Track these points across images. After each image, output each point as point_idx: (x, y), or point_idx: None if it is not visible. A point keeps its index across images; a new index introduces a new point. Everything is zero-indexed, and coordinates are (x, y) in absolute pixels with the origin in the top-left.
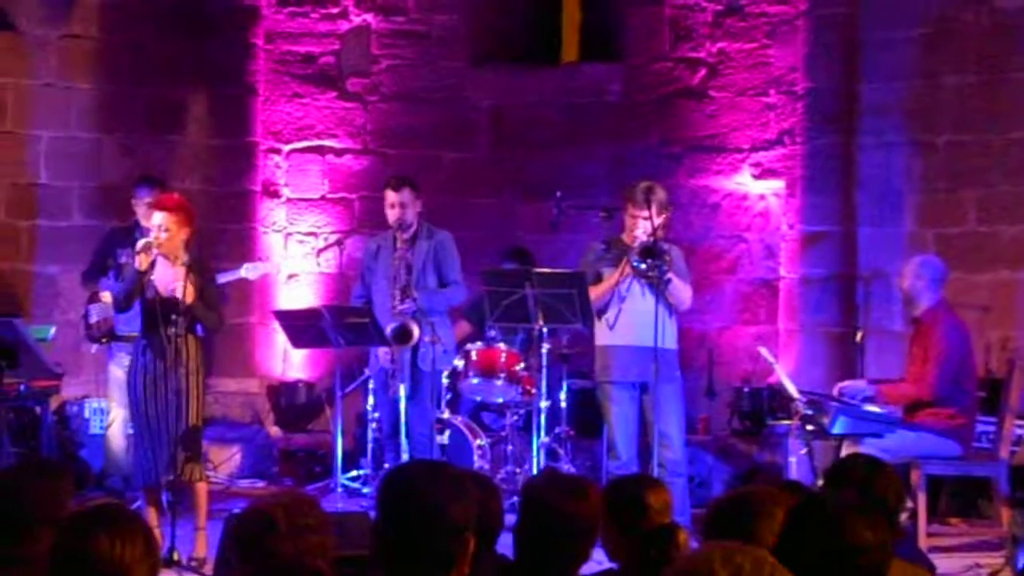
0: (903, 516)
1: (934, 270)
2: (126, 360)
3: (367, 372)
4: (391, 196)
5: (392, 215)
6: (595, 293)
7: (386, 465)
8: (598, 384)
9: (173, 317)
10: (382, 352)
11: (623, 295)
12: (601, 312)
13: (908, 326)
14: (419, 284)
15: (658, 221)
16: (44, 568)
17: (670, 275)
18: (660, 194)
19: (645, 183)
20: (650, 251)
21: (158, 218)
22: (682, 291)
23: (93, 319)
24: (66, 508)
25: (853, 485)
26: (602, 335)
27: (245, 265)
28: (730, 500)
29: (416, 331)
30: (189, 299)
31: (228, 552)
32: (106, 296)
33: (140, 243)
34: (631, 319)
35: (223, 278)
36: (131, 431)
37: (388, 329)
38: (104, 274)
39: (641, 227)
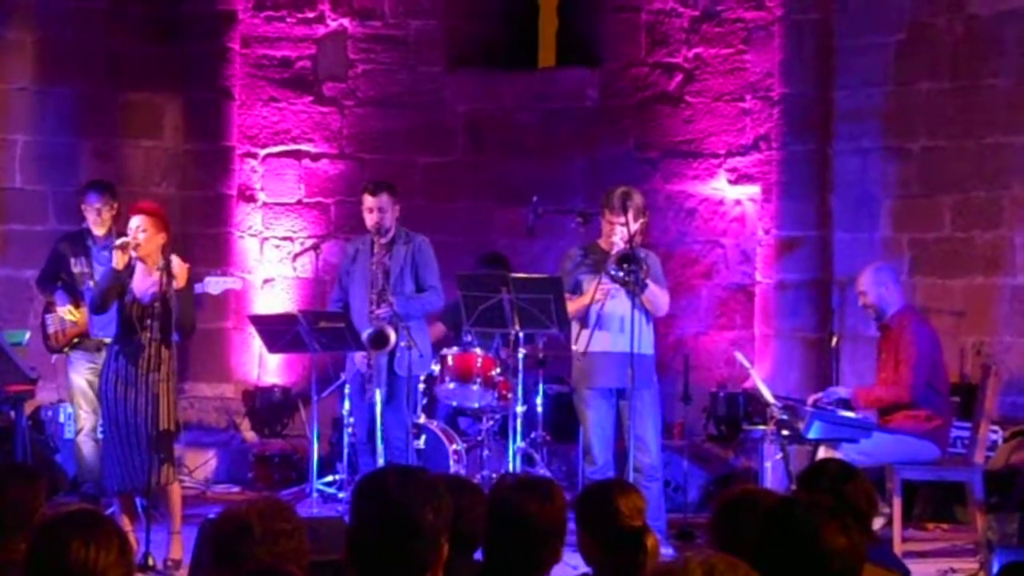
0: (879, 522)
1: (891, 274)
2: (85, 367)
3: (343, 376)
4: (369, 200)
5: (370, 220)
6: (573, 306)
7: (360, 470)
8: (575, 389)
9: (148, 322)
10: (359, 357)
11: (599, 310)
12: (580, 323)
13: (877, 331)
14: (396, 289)
15: (635, 227)
16: (18, 573)
17: (647, 280)
18: (637, 200)
19: (622, 189)
20: (627, 258)
21: (136, 220)
22: (659, 297)
23: (51, 329)
24: (40, 513)
25: (825, 490)
26: (580, 341)
27: (207, 279)
28: (733, 498)
29: (392, 336)
30: (181, 281)
31: (203, 557)
32: (63, 311)
33: (118, 241)
34: (609, 326)
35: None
36: (102, 436)
37: (364, 334)
38: (53, 284)
39: (618, 233)
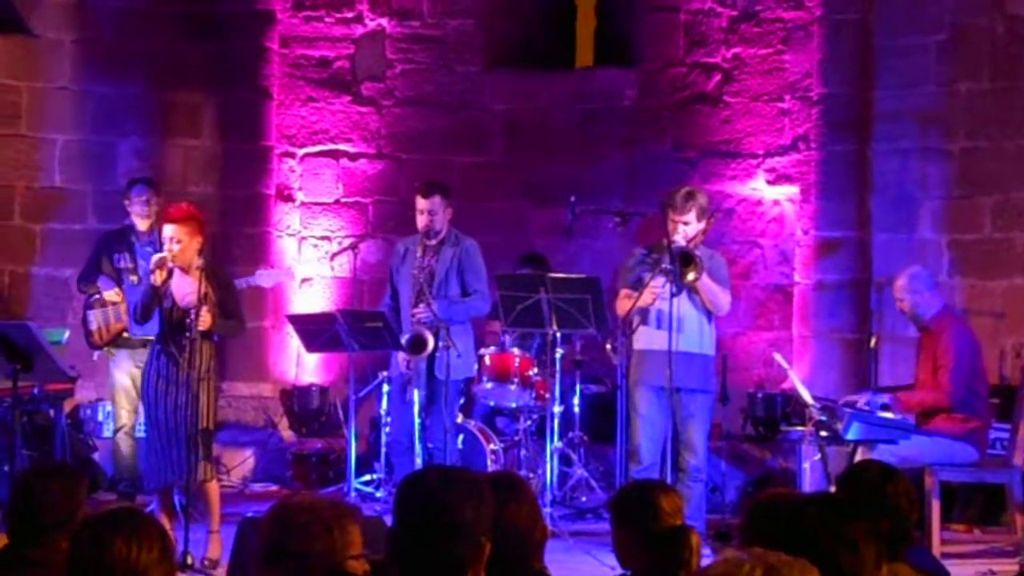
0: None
1: (925, 280)
2: (129, 365)
3: (381, 375)
4: (420, 203)
5: (421, 221)
6: (630, 304)
7: (396, 471)
8: (628, 386)
9: (188, 322)
10: (401, 357)
11: (663, 298)
12: (643, 314)
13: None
14: (440, 292)
15: (699, 226)
16: (61, 571)
17: (706, 280)
18: (701, 200)
19: (686, 188)
20: (684, 257)
21: (169, 231)
22: (719, 296)
23: (93, 326)
24: (81, 511)
25: (865, 491)
26: (639, 339)
27: (259, 272)
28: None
29: (431, 341)
30: (204, 325)
31: (243, 554)
32: (108, 295)
33: (154, 259)
34: (667, 325)
35: (239, 284)
36: (142, 434)
37: (403, 338)
38: (96, 278)
39: (680, 232)
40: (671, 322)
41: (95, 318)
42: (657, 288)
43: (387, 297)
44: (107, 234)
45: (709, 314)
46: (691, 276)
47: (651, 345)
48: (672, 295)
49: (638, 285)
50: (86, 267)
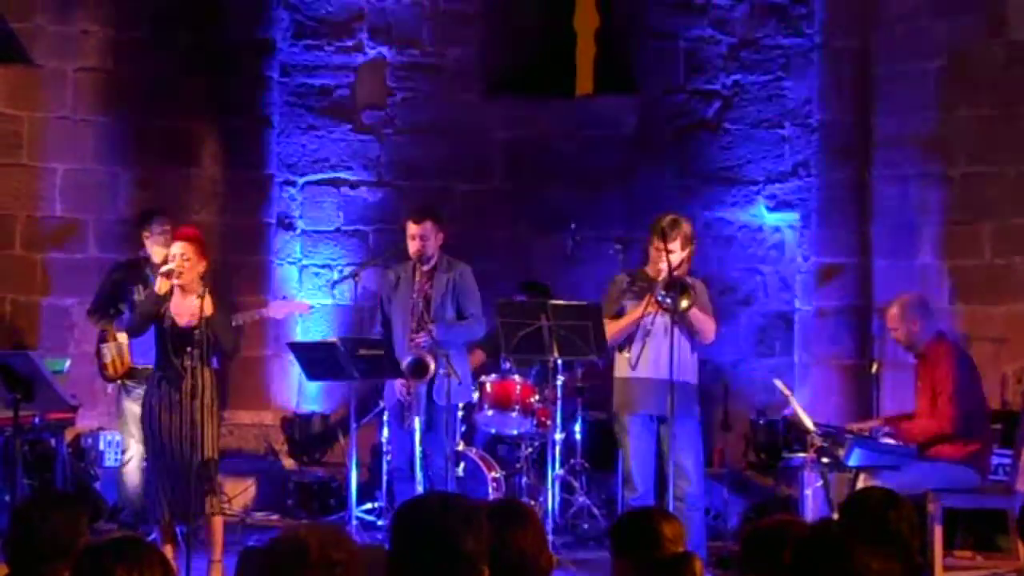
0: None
1: (920, 307)
2: (140, 396)
3: (382, 404)
4: (412, 228)
5: (413, 247)
6: (618, 326)
7: (397, 499)
8: (616, 416)
9: (188, 349)
10: (398, 384)
11: (647, 329)
12: (624, 345)
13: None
14: (437, 317)
15: (683, 254)
16: None
17: (687, 303)
18: (685, 228)
19: (670, 216)
20: (675, 285)
21: (179, 247)
22: (705, 324)
23: (108, 359)
24: (82, 540)
25: (868, 518)
26: (622, 367)
27: (272, 303)
28: (761, 529)
29: (432, 365)
30: (208, 310)
31: None
32: (122, 336)
33: (163, 268)
34: (653, 353)
35: (251, 316)
36: (144, 463)
37: (404, 363)
38: (117, 312)
39: (665, 259)
40: (670, 351)
41: (109, 351)
42: (648, 313)
43: (377, 325)
44: (119, 265)
45: (693, 342)
46: (684, 304)
47: (636, 373)
48: (673, 323)
49: (622, 315)
50: (99, 298)
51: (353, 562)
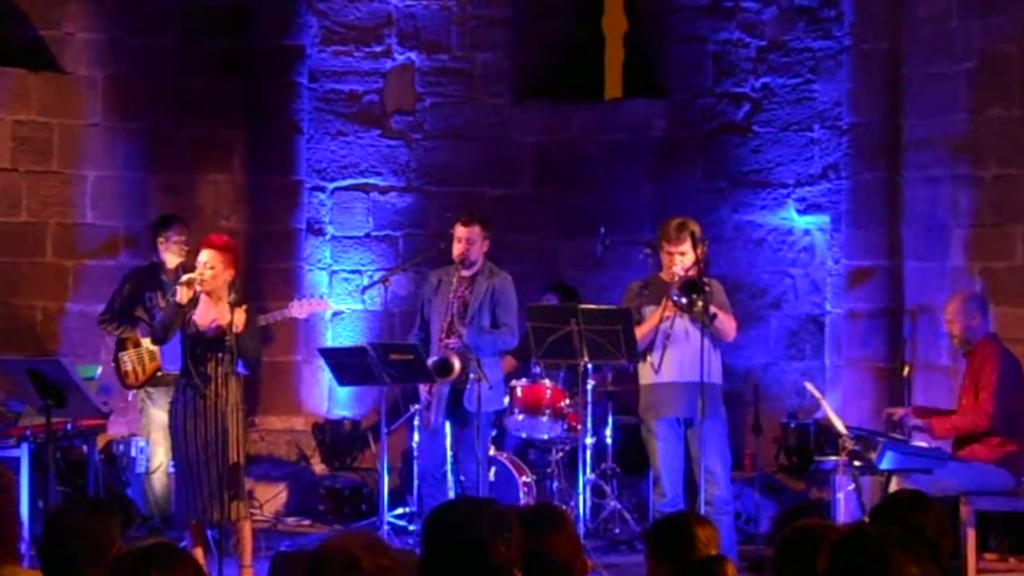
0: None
1: (981, 303)
2: (166, 402)
3: (413, 408)
4: (460, 230)
5: (457, 249)
6: (639, 333)
7: (425, 503)
8: (643, 421)
9: (219, 355)
10: (421, 385)
11: (667, 332)
12: (646, 351)
13: (959, 360)
14: (473, 322)
15: (695, 255)
16: None
17: (714, 309)
18: (694, 228)
19: (678, 219)
20: (691, 286)
21: (205, 255)
22: (726, 323)
23: (128, 367)
24: (116, 547)
25: (897, 521)
26: (647, 373)
27: (292, 303)
28: (795, 533)
29: (457, 366)
30: (239, 324)
31: None
32: (145, 342)
33: (184, 277)
34: (676, 355)
35: (274, 317)
36: (173, 470)
37: (429, 362)
38: (134, 320)
39: (678, 263)
40: (700, 353)
41: (129, 359)
42: (667, 317)
43: (416, 328)
44: (134, 272)
45: (715, 342)
46: (700, 305)
47: (661, 378)
48: (696, 325)
49: (640, 321)
50: (113, 305)
51: (397, 568)
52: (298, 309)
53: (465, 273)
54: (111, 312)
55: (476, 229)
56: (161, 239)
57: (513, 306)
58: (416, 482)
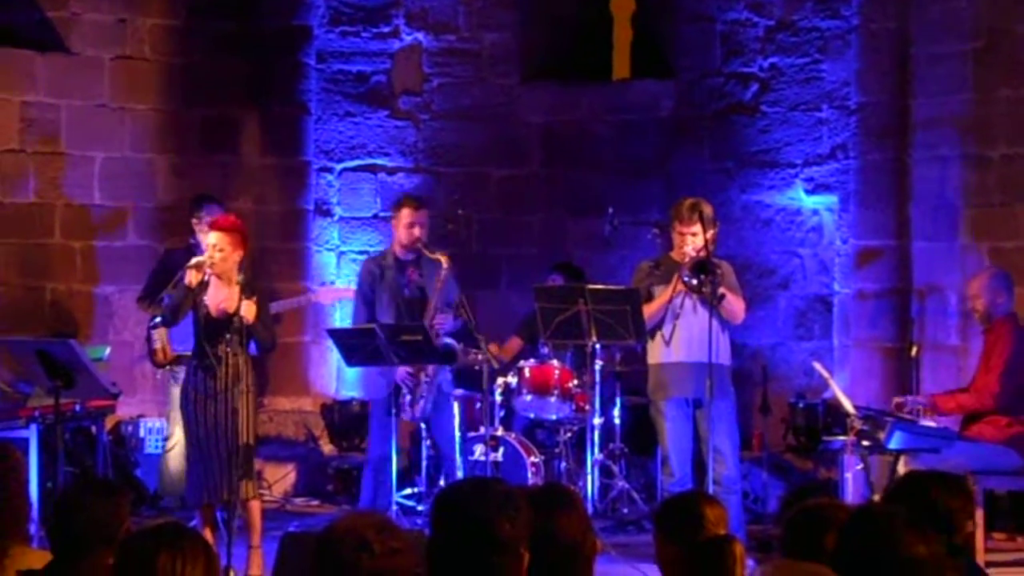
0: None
1: (1007, 281)
2: None
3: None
4: (413, 215)
5: (410, 234)
6: (648, 311)
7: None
8: (651, 401)
9: (227, 336)
10: (401, 370)
11: (676, 311)
12: (655, 329)
13: (967, 340)
14: (442, 306)
15: (706, 236)
16: None
17: (723, 290)
18: (706, 209)
19: (690, 199)
20: (701, 266)
21: (214, 238)
22: (735, 304)
23: (157, 344)
24: (124, 527)
25: (915, 499)
26: (655, 352)
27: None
28: (803, 512)
29: (459, 351)
30: (250, 317)
31: (289, 569)
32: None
33: (193, 260)
34: (684, 335)
35: (296, 303)
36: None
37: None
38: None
39: (689, 243)
40: (708, 333)
41: (159, 337)
42: (677, 294)
43: (357, 317)
44: (171, 252)
45: (723, 323)
46: (708, 286)
47: (670, 358)
48: (705, 305)
49: (649, 300)
50: (149, 286)
51: (406, 548)
52: (323, 295)
53: (410, 257)
54: (146, 291)
55: (424, 212)
56: (195, 219)
57: (456, 286)
58: (425, 463)
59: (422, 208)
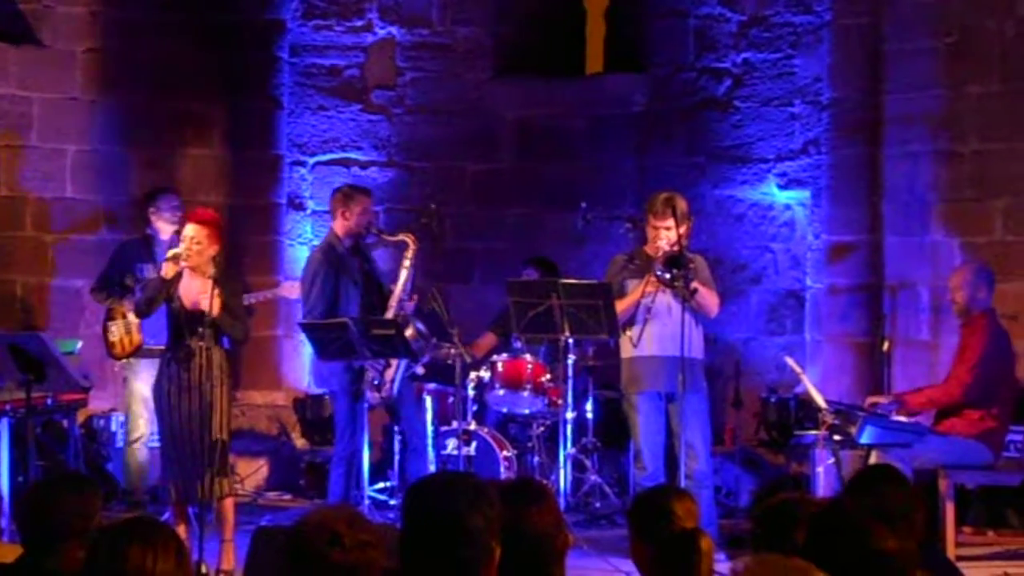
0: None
1: (988, 277)
2: (148, 375)
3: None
4: (366, 202)
5: (363, 221)
6: (620, 306)
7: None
8: (624, 395)
9: (200, 330)
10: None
11: (649, 306)
12: (627, 325)
13: (939, 335)
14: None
15: (680, 230)
16: None
17: (696, 285)
18: (681, 204)
19: (665, 193)
20: (675, 260)
21: (191, 230)
22: (708, 298)
23: (115, 337)
24: (96, 521)
25: (871, 495)
26: (628, 347)
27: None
28: (773, 507)
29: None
30: (215, 312)
31: (261, 564)
32: (131, 315)
33: (170, 252)
34: (658, 330)
35: (262, 296)
36: (155, 444)
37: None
38: (123, 290)
39: (664, 237)
40: (680, 327)
41: (117, 329)
42: (649, 292)
43: (320, 307)
44: (126, 243)
45: (696, 317)
46: (681, 280)
47: (643, 352)
48: (678, 300)
49: (622, 294)
50: (104, 276)
51: (378, 542)
52: (288, 289)
53: (351, 243)
54: (101, 282)
55: (371, 200)
56: (152, 209)
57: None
58: (396, 457)
59: (371, 195)
